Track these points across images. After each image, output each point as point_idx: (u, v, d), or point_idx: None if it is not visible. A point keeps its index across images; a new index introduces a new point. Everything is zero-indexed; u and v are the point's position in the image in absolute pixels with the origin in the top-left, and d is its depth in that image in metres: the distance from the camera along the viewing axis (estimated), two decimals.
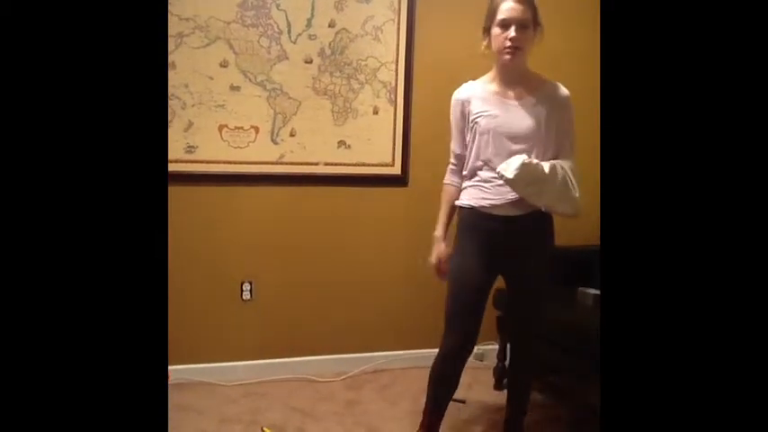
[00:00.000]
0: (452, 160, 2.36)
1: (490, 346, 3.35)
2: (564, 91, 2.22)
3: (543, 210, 2.16)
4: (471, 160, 2.24)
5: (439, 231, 2.35)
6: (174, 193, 2.90)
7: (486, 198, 2.18)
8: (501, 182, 2.10)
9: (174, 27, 2.80)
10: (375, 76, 3.10)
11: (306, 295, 3.16)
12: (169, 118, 2.85)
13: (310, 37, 2.98)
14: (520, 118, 2.15)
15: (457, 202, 2.30)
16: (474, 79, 3.26)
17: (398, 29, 3.10)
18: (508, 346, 3.08)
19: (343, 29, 3.02)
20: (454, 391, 2.36)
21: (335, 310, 3.21)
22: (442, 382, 2.34)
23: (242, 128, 2.96)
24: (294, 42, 2.97)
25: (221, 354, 3.09)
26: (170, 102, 2.84)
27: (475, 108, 2.22)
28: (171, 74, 2.82)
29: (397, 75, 3.13)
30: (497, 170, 2.08)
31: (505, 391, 3.05)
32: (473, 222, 2.22)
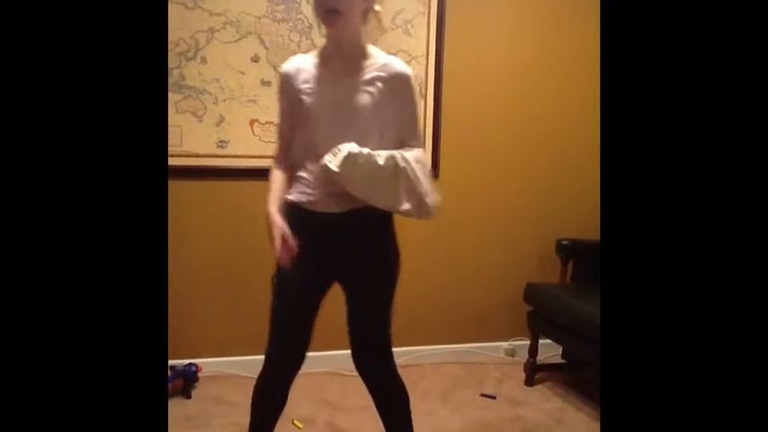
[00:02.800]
0: (280, 142, 1.98)
1: (521, 342, 3.33)
2: (403, 68, 1.86)
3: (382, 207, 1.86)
4: (298, 146, 1.91)
5: (272, 207, 1.85)
6: (207, 187, 2.94)
7: (308, 192, 1.86)
8: (324, 173, 1.80)
9: (204, 22, 2.82)
10: None
11: (335, 290, 3.16)
12: (201, 113, 2.88)
13: None
14: (350, 98, 1.82)
15: (286, 195, 1.92)
16: (507, 73, 3.25)
17: (429, 22, 3.08)
18: (539, 343, 3.06)
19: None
20: (280, 411, 2.01)
21: None
22: (266, 401, 2.00)
23: (273, 123, 2.97)
24: (324, 37, 2.96)
25: (253, 347, 3.10)
26: (201, 97, 2.87)
27: (301, 85, 1.87)
28: (202, 68, 2.85)
29: (427, 69, 3.11)
30: (323, 161, 1.76)
31: (536, 387, 3.05)
32: (297, 221, 1.85)
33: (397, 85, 1.85)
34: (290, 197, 1.89)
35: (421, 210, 1.87)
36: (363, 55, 1.87)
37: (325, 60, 1.89)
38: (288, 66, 1.93)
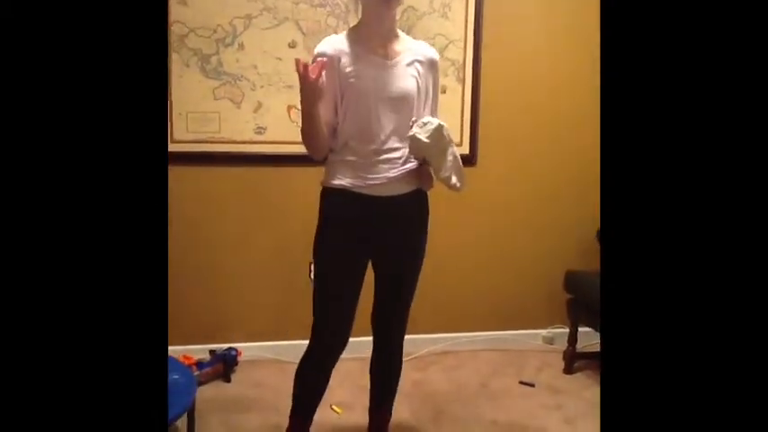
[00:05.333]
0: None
1: (560, 330, 3.29)
2: (435, 52, 2.02)
3: (427, 186, 2.02)
4: (346, 131, 1.90)
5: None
6: (245, 173, 2.95)
7: (365, 176, 1.89)
8: (381, 157, 1.89)
9: (242, 8, 2.83)
10: (443, 55, 3.04)
11: (373, 275, 3.16)
12: (239, 99, 2.89)
13: None
14: (400, 82, 1.90)
15: (325, 183, 1.98)
16: (546, 57, 3.19)
17: (467, 5, 3.04)
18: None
19: (411, 6, 2.98)
20: (324, 392, 2.13)
21: None
22: (314, 381, 2.10)
23: None
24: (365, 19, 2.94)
25: (292, 332, 3.13)
26: (239, 83, 2.88)
27: (347, 68, 1.87)
28: (240, 55, 2.86)
29: (465, 53, 3.07)
30: (410, 133, 1.84)
31: (576, 375, 3.01)
32: (343, 206, 1.93)
33: (432, 68, 2.00)
34: (341, 182, 1.91)
35: (462, 183, 1.97)
36: (397, 37, 1.97)
37: (363, 42, 1.91)
38: (326, 47, 1.89)
